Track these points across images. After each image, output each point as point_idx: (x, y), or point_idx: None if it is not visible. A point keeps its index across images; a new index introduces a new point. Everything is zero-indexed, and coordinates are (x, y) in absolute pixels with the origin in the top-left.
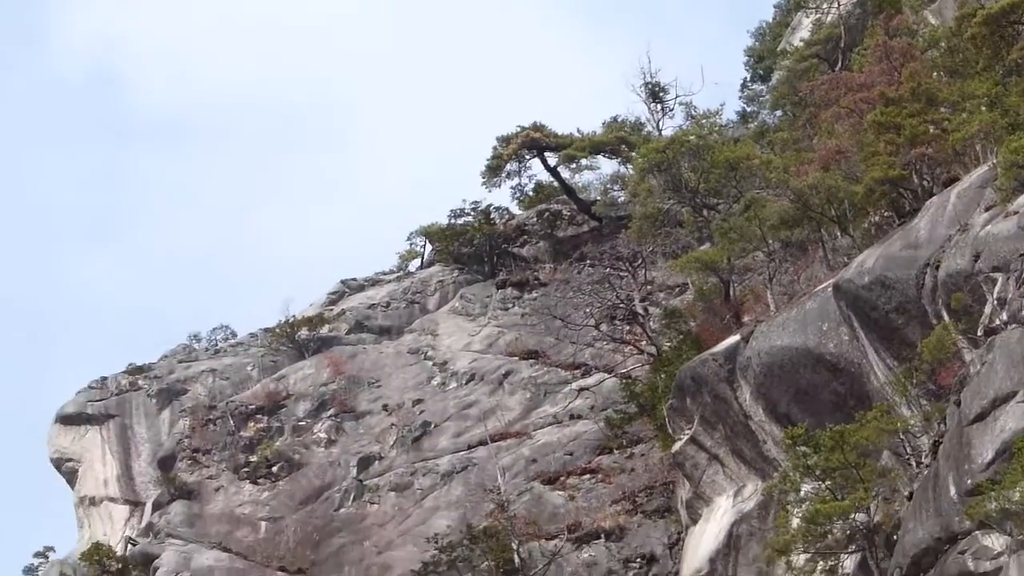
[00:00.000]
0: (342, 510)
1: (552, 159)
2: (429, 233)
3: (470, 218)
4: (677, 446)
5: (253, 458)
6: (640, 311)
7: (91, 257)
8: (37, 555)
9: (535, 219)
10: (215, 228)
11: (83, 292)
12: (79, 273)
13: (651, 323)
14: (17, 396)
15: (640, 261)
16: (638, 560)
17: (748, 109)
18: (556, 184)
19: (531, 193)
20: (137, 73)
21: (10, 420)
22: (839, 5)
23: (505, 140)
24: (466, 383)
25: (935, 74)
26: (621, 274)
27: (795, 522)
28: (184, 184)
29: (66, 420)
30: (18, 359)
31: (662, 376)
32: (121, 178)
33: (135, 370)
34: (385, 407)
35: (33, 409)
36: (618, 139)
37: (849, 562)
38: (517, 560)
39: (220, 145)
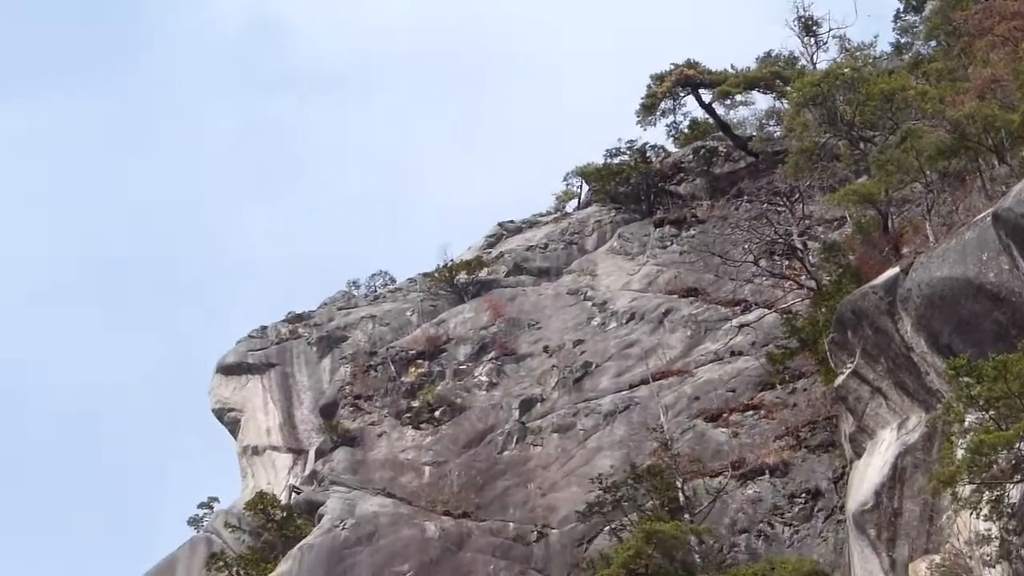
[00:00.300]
0: (505, 453)
1: (706, 96)
2: (585, 173)
3: (626, 157)
4: (839, 380)
5: (415, 403)
6: (799, 246)
7: (251, 207)
8: (201, 506)
9: (691, 156)
10: (373, 176)
11: (243, 243)
12: (239, 224)
13: (810, 257)
14: (183, 349)
15: (797, 196)
16: (803, 495)
17: (902, 40)
18: (711, 121)
19: (686, 130)
20: (296, 23)
21: (177, 373)
22: None
23: (659, 78)
24: (626, 322)
25: None
26: (779, 209)
27: (960, 453)
28: (341, 133)
29: (227, 370)
30: (183, 311)
31: (822, 310)
32: (280, 128)
33: (295, 318)
34: (545, 349)
35: (199, 361)
36: (772, 74)
37: (1015, 492)
38: (682, 498)
39: (377, 94)
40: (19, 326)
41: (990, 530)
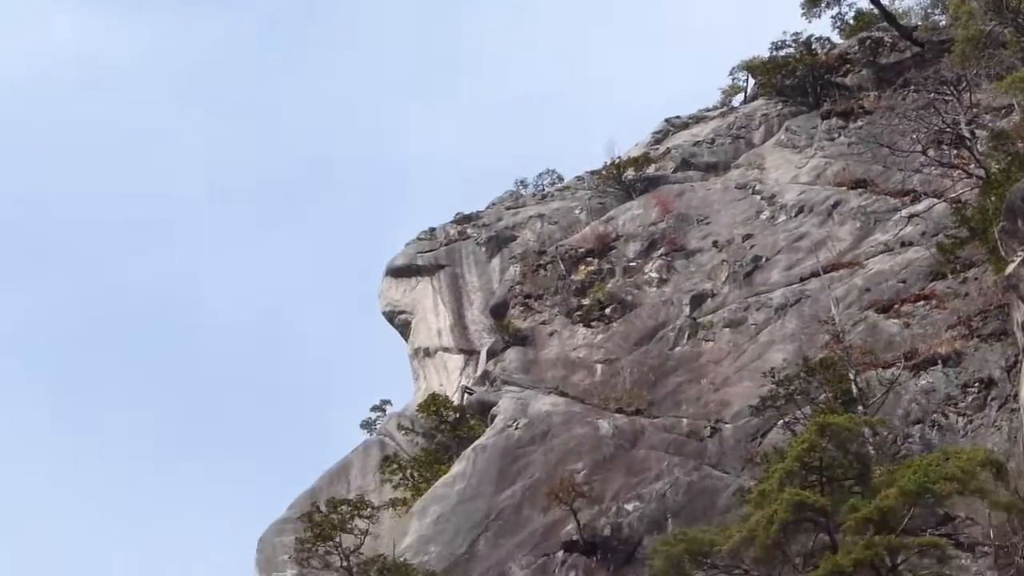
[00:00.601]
0: (677, 349)
1: None
2: (751, 67)
3: (791, 50)
4: (1010, 268)
5: (585, 301)
6: (967, 134)
7: (418, 108)
8: (374, 409)
9: (857, 47)
10: (539, 75)
11: (410, 144)
12: (406, 125)
13: (978, 146)
14: (355, 254)
15: (964, 84)
16: (976, 384)
17: None
18: (876, 11)
19: (851, 22)
20: None
21: (349, 278)
22: None
23: None
24: (795, 215)
25: None
26: (946, 98)
27: None
28: (508, 31)
29: (397, 272)
30: (354, 216)
31: (992, 199)
32: (448, 27)
33: (463, 219)
34: (715, 243)
35: (371, 266)
36: None
37: None
38: (855, 390)
39: None
40: (197, 227)
41: None
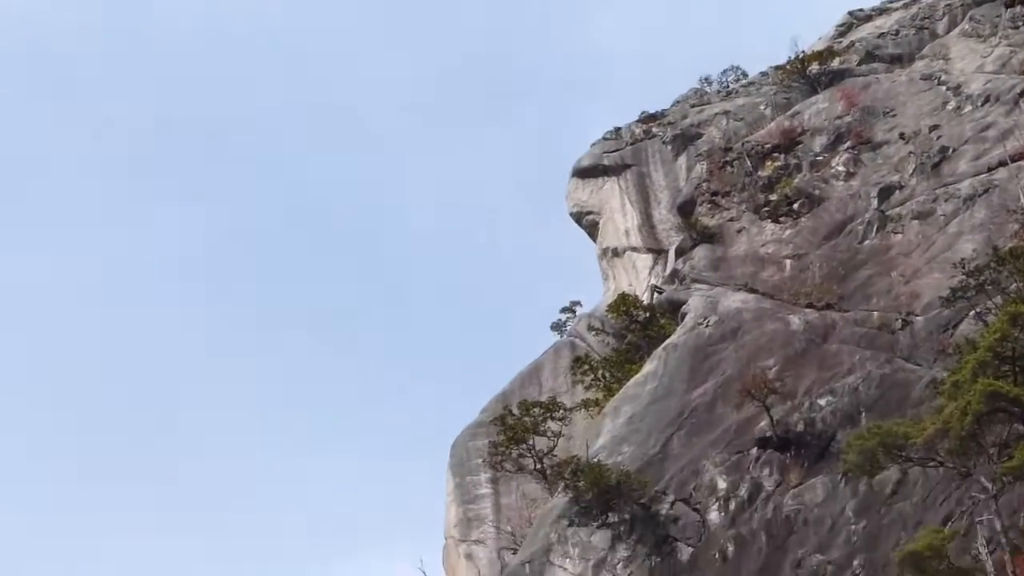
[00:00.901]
0: (865, 242)
1: None
2: None
3: None
4: None
5: (772, 197)
6: None
7: (601, 8)
8: (564, 310)
9: None
10: None
11: (595, 45)
12: (589, 25)
13: None
14: (541, 156)
15: None
16: None
17: None
18: None
19: None
20: None
21: (535, 180)
22: None
23: None
24: (981, 105)
25: None
26: None
27: None
28: None
29: (583, 173)
30: (540, 118)
31: None
32: None
33: (648, 118)
34: (901, 135)
35: (557, 168)
36: None
37: None
38: None
39: None
40: (398, 129)
41: None
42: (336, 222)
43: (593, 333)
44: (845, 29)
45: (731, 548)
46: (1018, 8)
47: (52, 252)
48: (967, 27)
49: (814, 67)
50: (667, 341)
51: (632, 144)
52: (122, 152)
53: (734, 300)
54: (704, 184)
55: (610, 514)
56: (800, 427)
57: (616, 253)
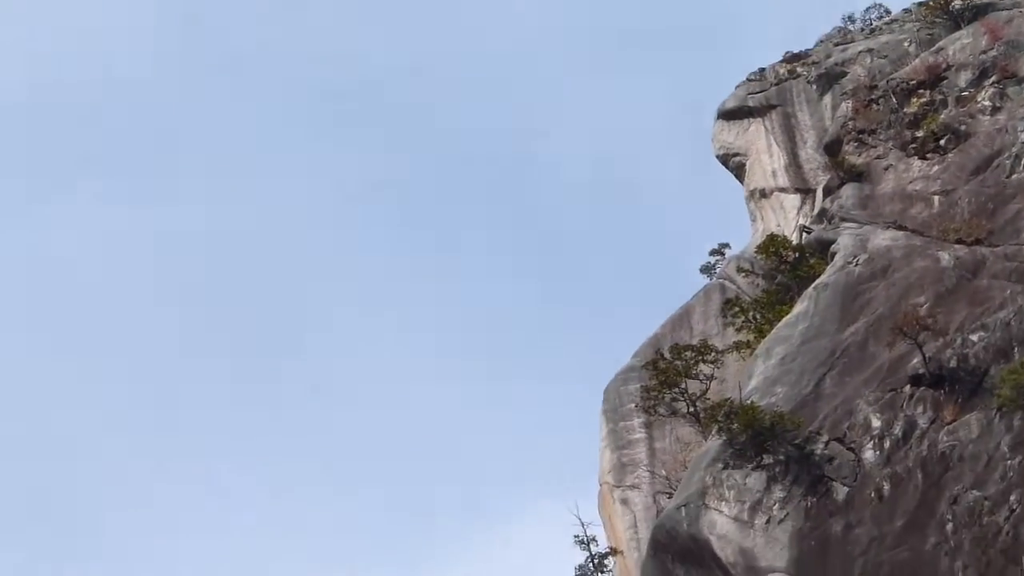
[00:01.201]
0: (1014, 176)
1: None
2: None
3: None
4: None
5: (919, 133)
6: None
7: None
8: (713, 253)
9: None
10: None
11: None
12: None
13: None
14: (685, 97)
15: None
16: None
17: None
18: None
19: None
20: None
21: (681, 122)
22: None
23: None
24: None
25: None
26: None
27: None
28: None
29: (728, 115)
30: (682, 60)
31: None
32: None
33: (792, 58)
34: None
35: (702, 110)
36: None
37: None
38: None
39: None
40: (535, 71)
41: None
42: (486, 170)
43: (743, 275)
44: None
45: (887, 487)
46: None
47: (213, 202)
48: None
49: (957, 2)
50: (817, 281)
51: (777, 84)
52: (277, 103)
53: (883, 238)
54: (850, 123)
55: (765, 456)
56: (953, 363)
57: (763, 194)
